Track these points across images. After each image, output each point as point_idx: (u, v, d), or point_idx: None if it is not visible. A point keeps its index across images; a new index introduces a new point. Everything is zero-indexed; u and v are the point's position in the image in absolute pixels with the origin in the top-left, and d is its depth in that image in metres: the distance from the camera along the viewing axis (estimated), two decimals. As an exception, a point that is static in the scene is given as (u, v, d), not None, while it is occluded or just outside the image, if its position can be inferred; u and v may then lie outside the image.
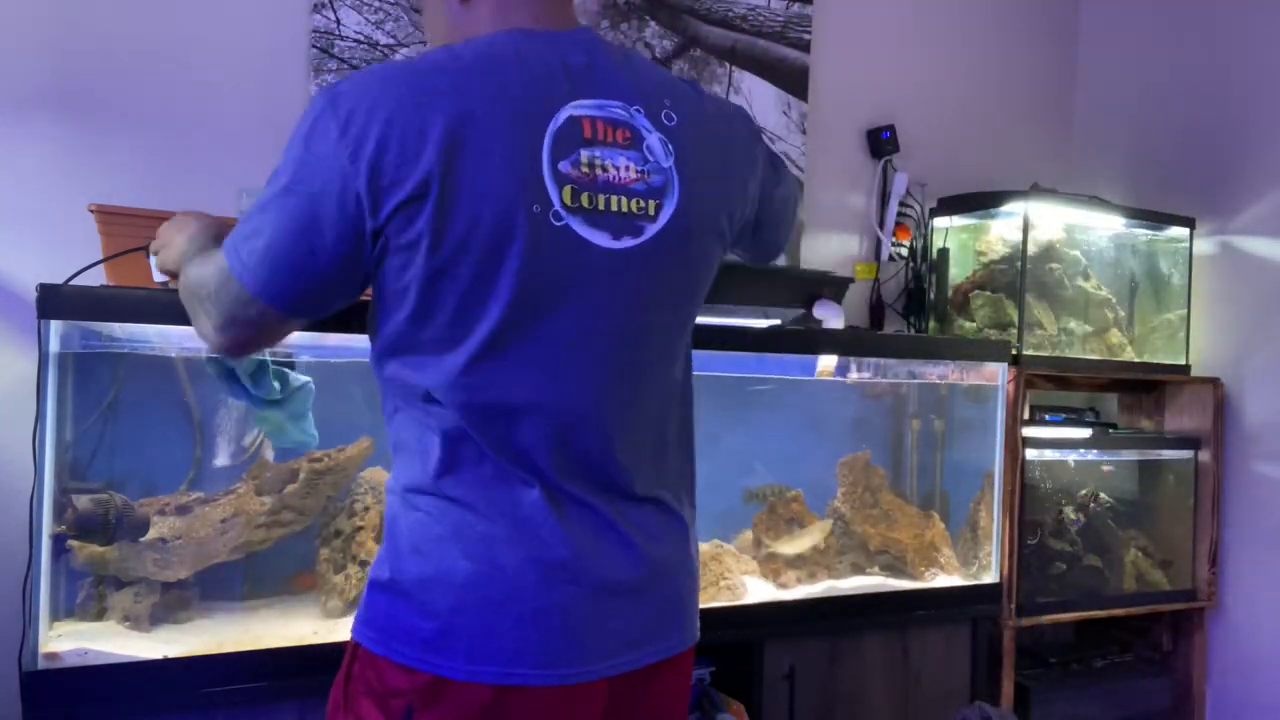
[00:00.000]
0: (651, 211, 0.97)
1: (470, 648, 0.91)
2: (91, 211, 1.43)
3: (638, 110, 0.98)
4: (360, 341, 1.49)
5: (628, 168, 0.96)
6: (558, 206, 0.92)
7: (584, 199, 0.93)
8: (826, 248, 2.54)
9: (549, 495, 0.95)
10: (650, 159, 0.97)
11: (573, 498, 0.97)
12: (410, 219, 0.88)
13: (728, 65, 2.39)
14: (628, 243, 0.96)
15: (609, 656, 0.97)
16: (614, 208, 0.95)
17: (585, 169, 0.93)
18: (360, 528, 1.59)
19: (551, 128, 0.92)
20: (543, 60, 0.95)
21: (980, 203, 2.44)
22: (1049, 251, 2.40)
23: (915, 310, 2.55)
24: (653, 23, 2.29)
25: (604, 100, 0.96)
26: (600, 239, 0.94)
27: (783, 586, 1.94)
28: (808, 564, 2.02)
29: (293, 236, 0.90)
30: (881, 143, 2.55)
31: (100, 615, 1.46)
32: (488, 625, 0.92)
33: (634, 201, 0.96)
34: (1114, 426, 2.61)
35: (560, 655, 0.94)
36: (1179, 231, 2.54)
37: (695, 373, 1.12)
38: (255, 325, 0.96)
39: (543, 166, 0.91)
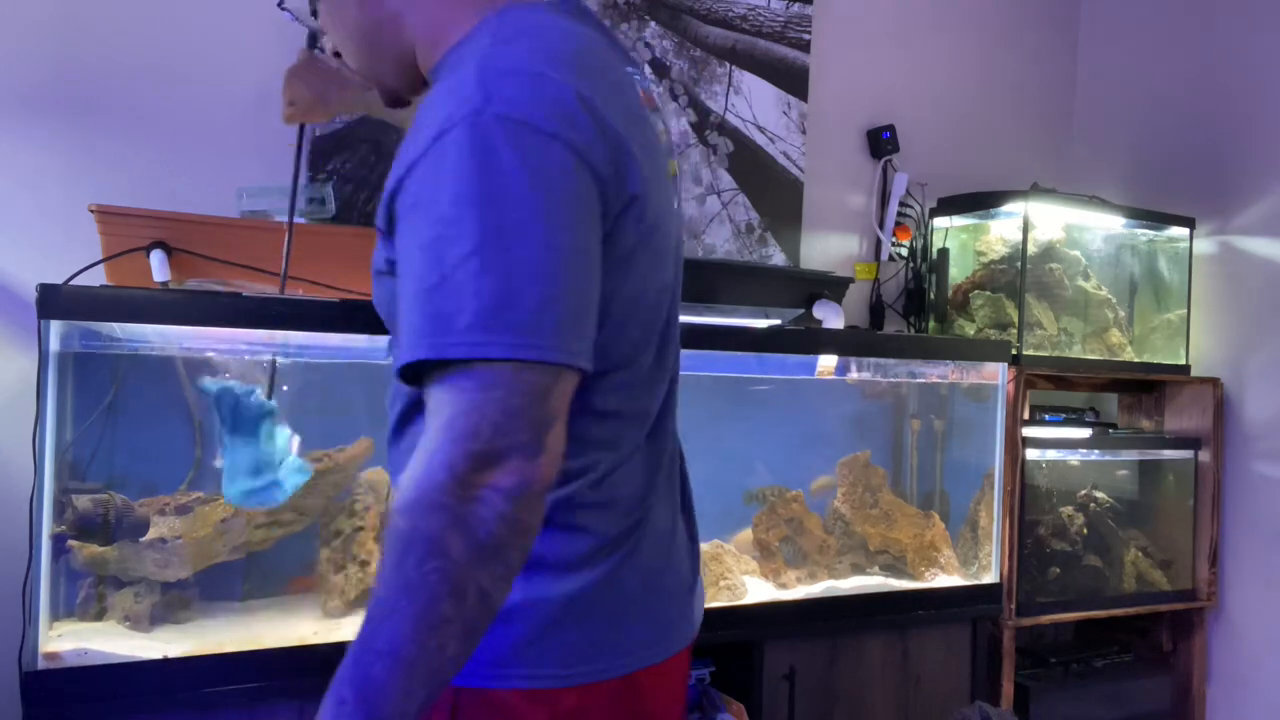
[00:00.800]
0: (676, 170, 0.97)
1: (619, 643, 0.87)
2: (91, 211, 1.43)
3: (638, 70, 0.95)
4: (360, 341, 1.51)
5: (660, 129, 0.93)
6: (671, 181, 0.91)
7: (672, 167, 0.92)
8: (826, 248, 2.54)
9: (666, 476, 0.94)
10: (659, 117, 0.95)
11: (670, 472, 0.96)
12: (631, 220, 0.79)
13: (728, 65, 2.39)
14: (678, 203, 0.96)
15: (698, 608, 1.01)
16: (674, 171, 0.94)
17: (661, 138, 0.91)
18: (360, 528, 1.59)
19: (642, 98, 0.88)
20: (587, 31, 0.87)
21: (980, 203, 2.44)
22: (1049, 251, 2.40)
23: (915, 310, 2.55)
24: (653, 23, 2.29)
25: (628, 66, 0.92)
26: (677, 204, 0.94)
27: (783, 586, 1.94)
28: (808, 564, 2.02)
29: (583, 273, 0.75)
30: (881, 143, 2.55)
31: (100, 615, 1.46)
32: (640, 615, 0.89)
33: (672, 162, 0.95)
34: (1114, 426, 2.61)
35: (686, 617, 0.96)
36: (1179, 231, 2.54)
37: (696, 372, 1.13)
38: (559, 413, 0.74)
39: (658, 142, 0.88)
